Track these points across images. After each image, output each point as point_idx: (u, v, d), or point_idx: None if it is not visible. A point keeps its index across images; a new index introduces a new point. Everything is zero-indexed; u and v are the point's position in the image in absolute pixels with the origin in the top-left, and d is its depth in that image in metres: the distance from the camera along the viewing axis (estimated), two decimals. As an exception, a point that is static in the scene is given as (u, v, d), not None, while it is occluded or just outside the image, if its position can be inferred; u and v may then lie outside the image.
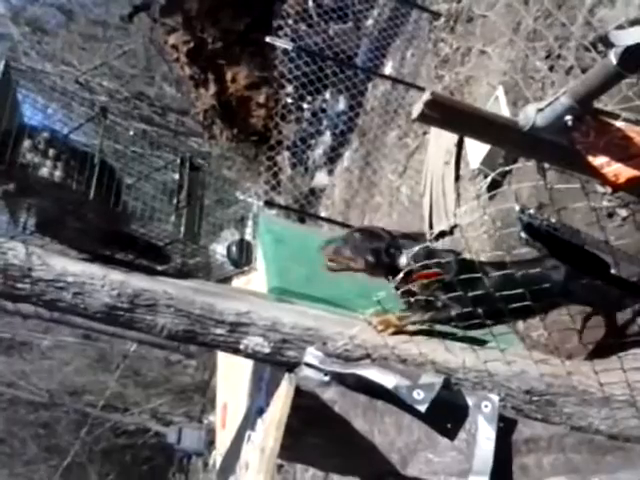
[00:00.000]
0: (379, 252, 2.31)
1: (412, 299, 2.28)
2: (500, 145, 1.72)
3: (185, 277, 2.37)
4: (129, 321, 2.10)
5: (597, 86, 1.39)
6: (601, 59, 1.39)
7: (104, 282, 2.08)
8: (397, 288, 2.22)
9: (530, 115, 1.46)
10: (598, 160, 1.43)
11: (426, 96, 1.46)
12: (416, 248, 2.24)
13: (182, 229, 2.42)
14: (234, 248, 2.86)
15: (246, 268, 2.92)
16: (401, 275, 2.13)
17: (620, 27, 1.27)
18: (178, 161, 2.55)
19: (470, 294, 2.04)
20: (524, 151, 1.64)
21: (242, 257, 2.87)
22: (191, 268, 2.63)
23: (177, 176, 2.50)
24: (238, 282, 3.70)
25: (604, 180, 1.45)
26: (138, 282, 2.12)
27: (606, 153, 1.44)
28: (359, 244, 2.36)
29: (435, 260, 2.22)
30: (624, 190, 1.49)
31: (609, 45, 1.29)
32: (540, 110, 1.45)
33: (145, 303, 2.09)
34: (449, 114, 1.49)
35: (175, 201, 2.44)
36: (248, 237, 3.04)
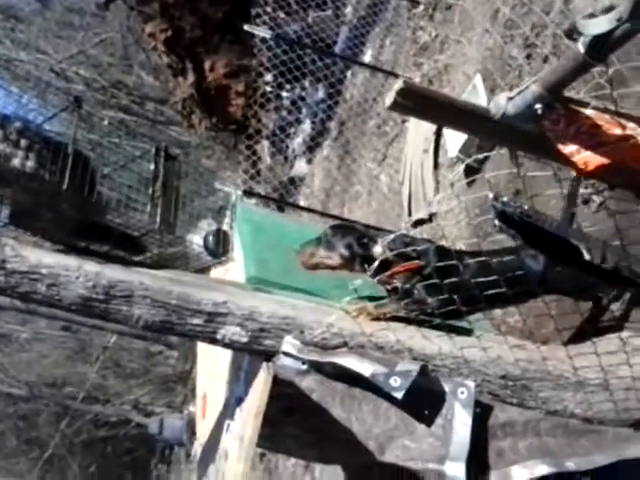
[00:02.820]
0: (351, 244, 2.32)
1: (389, 287, 2.29)
2: (472, 133, 1.73)
3: (162, 268, 2.36)
4: (105, 312, 2.09)
5: (566, 75, 1.39)
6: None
7: (79, 273, 2.06)
8: (375, 276, 2.23)
9: (501, 104, 1.47)
10: (568, 148, 1.44)
11: (398, 84, 1.46)
12: (392, 236, 2.24)
13: (158, 219, 2.41)
14: (211, 238, 2.84)
15: (224, 258, 2.91)
16: (376, 264, 2.13)
17: (591, 15, 1.27)
18: (153, 151, 2.53)
19: (447, 282, 2.05)
20: (496, 139, 1.65)
21: (219, 247, 2.85)
22: (168, 259, 2.61)
23: (152, 166, 2.47)
24: (216, 272, 3.69)
25: (574, 168, 1.46)
26: (113, 273, 2.11)
27: (576, 141, 1.45)
28: (332, 240, 2.37)
29: (412, 248, 2.23)
30: (593, 178, 1.51)
31: (578, 34, 1.30)
32: (511, 99, 1.46)
33: (121, 294, 2.08)
34: (421, 102, 1.49)
35: (150, 191, 2.42)
36: (226, 227, 3.03)
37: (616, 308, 2.42)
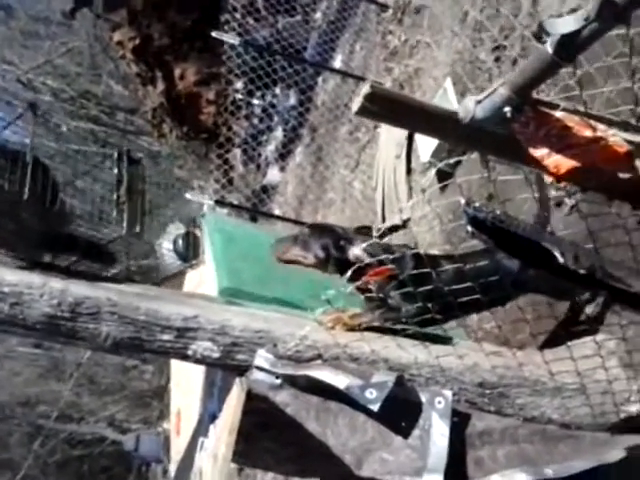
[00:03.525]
0: (328, 247, 2.28)
1: (366, 295, 2.26)
2: (442, 138, 1.70)
3: (132, 276, 2.30)
4: (71, 331, 2.02)
5: (535, 76, 1.37)
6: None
7: (43, 291, 1.99)
8: (351, 282, 2.19)
9: (469, 107, 1.44)
10: (538, 151, 1.42)
11: (365, 89, 1.42)
12: (370, 241, 2.21)
13: (124, 225, 2.34)
14: (180, 242, 2.79)
15: (194, 262, 2.86)
16: (353, 269, 2.09)
17: (559, 15, 1.25)
18: (115, 155, 2.47)
19: (422, 289, 2.03)
20: (466, 143, 1.63)
21: (189, 250, 2.80)
22: (137, 266, 2.55)
23: (115, 170, 2.41)
24: (189, 283, 3.64)
25: (545, 171, 1.44)
26: (79, 290, 2.04)
27: (546, 144, 1.43)
28: (308, 240, 2.33)
29: (389, 255, 2.19)
30: (565, 181, 1.49)
31: (545, 34, 1.27)
32: (479, 102, 1.43)
33: (87, 311, 2.01)
34: (389, 107, 1.46)
35: (115, 196, 2.36)
36: (197, 232, 2.98)
37: (590, 311, 2.42)
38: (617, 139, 1.44)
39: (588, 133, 1.44)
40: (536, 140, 1.43)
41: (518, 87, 1.39)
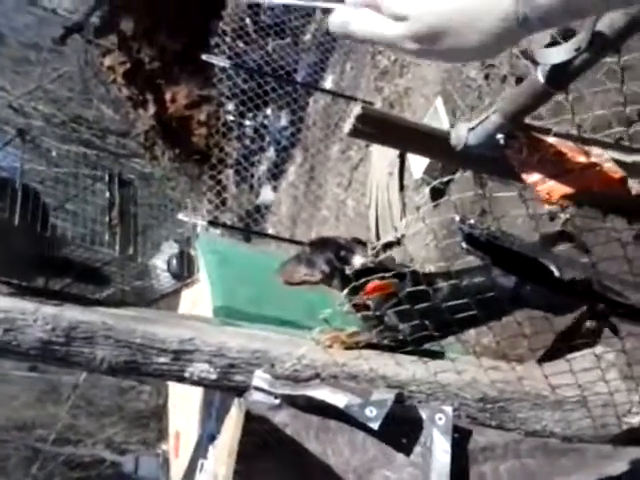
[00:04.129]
0: (332, 260, 2.27)
1: (362, 313, 2.25)
2: (434, 158, 1.71)
3: (126, 296, 2.29)
4: (66, 355, 2.00)
5: (526, 104, 1.38)
6: (533, 67, 1.37)
7: (36, 316, 1.97)
8: (350, 297, 2.18)
9: (462, 134, 1.45)
10: (531, 177, 1.42)
11: (357, 110, 1.43)
12: (370, 253, 2.20)
13: (117, 247, 2.33)
14: (174, 261, 2.78)
15: (188, 280, 2.85)
16: (357, 282, 2.08)
17: (549, 45, 1.25)
18: (106, 178, 2.46)
19: (419, 307, 2.02)
20: (460, 164, 1.63)
21: (183, 269, 2.79)
22: (131, 286, 2.54)
23: (107, 193, 2.41)
24: (185, 303, 3.62)
25: (538, 196, 1.44)
26: (73, 314, 2.02)
27: (539, 170, 1.43)
28: (311, 257, 2.31)
29: (391, 269, 2.18)
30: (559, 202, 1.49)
31: (535, 63, 1.28)
32: (471, 129, 1.43)
33: (82, 335, 1.99)
34: (380, 128, 1.46)
35: (107, 219, 2.35)
36: (189, 249, 2.98)
37: (588, 324, 2.41)
38: (611, 165, 1.44)
39: (582, 159, 1.44)
40: (530, 166, 1.43)
41: (510, 114, 1.40)
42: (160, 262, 2.76)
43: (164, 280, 2.71)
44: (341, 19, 0.80)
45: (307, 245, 2.41)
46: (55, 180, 2.51)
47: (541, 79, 1.29)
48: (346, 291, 2.03)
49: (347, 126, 1.46)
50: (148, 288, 2.59)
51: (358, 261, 2.21)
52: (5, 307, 1.98)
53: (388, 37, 0.76)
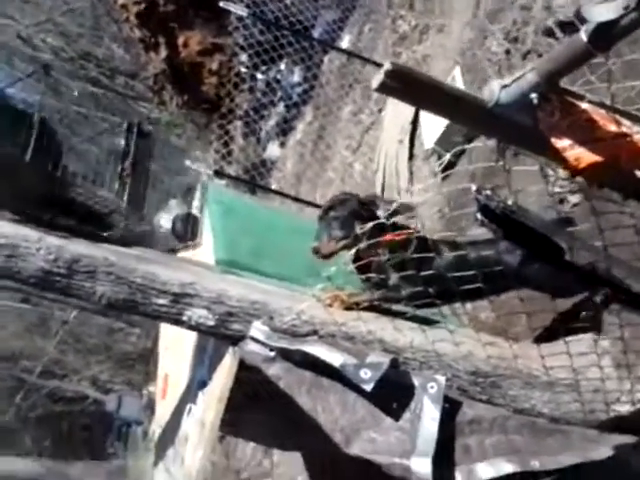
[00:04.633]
0: (359, 214, 2.21)
1: (365, 275, 2.22)
2: (461, 121, 1.66)
3: (128, 245, 2.26)
4: (66, 287, 1.98)
5: (565, 64, 1.34)
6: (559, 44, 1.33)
7: (40, 245, 1.95)
8: (355, 260, 2.15)
9: (495, 91, 1.41)
10: (561, 142, 1.39)
11: (387, 66, 1.39)
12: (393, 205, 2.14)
13: (125, 198, 2.31)
14: (179, 223, 2.75)
15: (190, 243, 2.83)
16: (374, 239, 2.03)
17: (597, 2, 1.21)
18: (125, 126, 2.42)
19: (423, 273, 2.00)
20: (486, 129, 1.59)
21: (187, 232, 2.77)
22: (134, 238, 2.52)
23: (123, 142, 2.37)
24: (184, 253, 3.61)
25: (565, 164, 1.41)
26: (77, 247, 2.00)
27: (570, 135, 1.40)
28: (341, 219, 2.25)
29: (410, 215, 2.15)
30: (583, 176, 1.46)
31: (580, 20, 1.24)
32: (505, 86, 1.40)
33: (84, 269, 1.98)
34: (411, 86, 1.42)
35: (119, 169, 2.32)
36: (195, 211, 2.95)
37: (589, 308, 2.41)
38: None
39: (613, 128, 1.41)
40: (560, 130, 1.40)
41: (547, 74, 1.36)
42: (164, 221, 2.74)
43: (167, 239, 2.69)
44: None
45: (328, 209, 2.31)
46: (72, 120, 2.45)
47: (584, 38, 1.25)
48: (355, 249, 2.00)
49: (376, 81, 1.42)
50: (149, 243, 2.56)
51: (382, 211, 2.16)
52: (8, 233, 1.96)
53: None
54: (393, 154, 5.12)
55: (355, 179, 6.06)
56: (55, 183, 2.26)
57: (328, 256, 2.27)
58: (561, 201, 3.01)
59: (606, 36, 1.24)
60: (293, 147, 8.01)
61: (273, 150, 8.25)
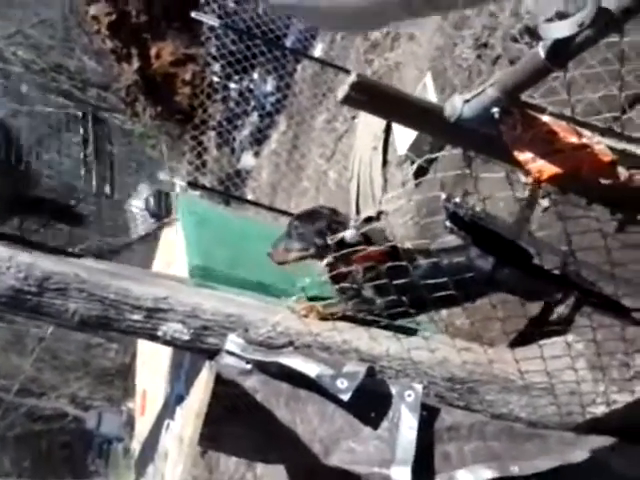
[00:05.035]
0: (323, 232, 2.23)
1: (339, 285, 2.23)
2: (426, 132, 1.68)
3: (104, 238, 2.24)
4: (37, 306, 1.96)
5: (525, 79, 1.35)
6: (527, 49, 1.36)
7: (10, 264, 1.93)
8: (330, 270, 2.16)
9: (457, 106, 1.42)
10: (523, 155, 1.41)
11: (352, 78, 1.39)
12: (363, 224, 2.17)
13: (94, 184, 2.28)
14: (152, 200, 2.74)
15: (166, 220, 2.79)
16: (345, 250, 2.05)
17: (551, 19, 1.23)
18: (80, 115, 2.39)
19: (397, 283, 2.01)
20: (450, 139, 1.60)
21: (161, 208, 2.75)
22: (108, 225, 2.49)
23: (81, 130, 2.35)
24: (159, 263, 3.58)
25: (529, 174, 1.43)
26: (47, 264, 1.98)
27: (531, 148, 1.42)
28: (303, 231, 2.27)
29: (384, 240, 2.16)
30: (547, 185, 1.48)
31: (537, 38, 1.26)
32: (467, 101, 1.41)
33: (55, 287, 1.95)
34: (375, 98, 1.43)
35: (82, 155, 2.30)
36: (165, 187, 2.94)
37: (561, 311, 2.44)
38: (602, 147, 1.43)
39: (574, 139, 1.43)
40: (522, 143, 1.42)
41: (507, 88, 1.37)
42: (137, 201, 2.72)
43: (142, 220, 2.67)
44: None
45: (294, 220, 2.35)
46: (29, 117, 2.43)
47: (542, 54, 1.27)
48: (326, 261, 2.01)
49: (340, 93, 1.42)
50: (124, 228, 2.53)
51: (350, 232, 2.18)
52: (-23, 252, 1.93)
53: None
54: (367, 161, 5.14)
55: (330, 187, 6.08)
56: (20, 181, 2.23)
57: (280, 263, 2.31)
58: (530, 205, 3.04)
59: (562, 52, 1.25)
60: (267, 156, 8.01)
61: (247, 160, 8.24)
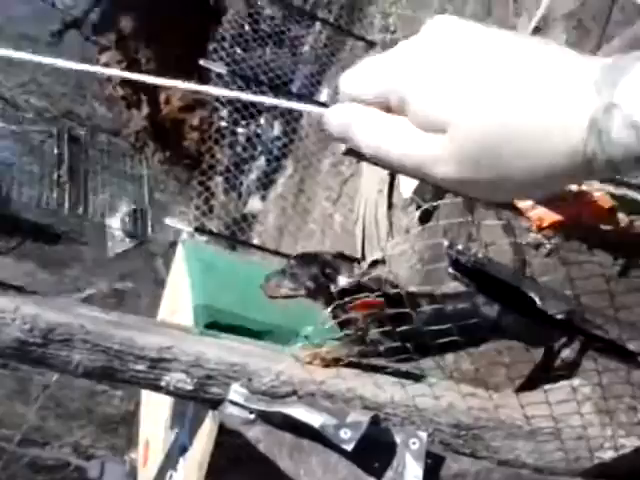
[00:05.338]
0: (317, 276, 2.25)
1: (347, 331, 2.24)
2: (427, 182, 1.70)
3: (82, 257, 2.25)
4: (42, 357, 1.97)
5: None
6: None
7: (15, 316, 1.94)
8: (334, 316, 2.17)
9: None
10: (523, 203, 1.43)
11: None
12: (357, 272, 2.20)
13: (67, 205, 2.31)
14: (127, 219, 2.76)
15: (142, 239, 2.80)
16: (342, 300, 2.07)
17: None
18: (55, 133, 2.43)
19: (401, 329, 2.01)
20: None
21: (137, 228, 2.77)
22: (83, 245, 2.51)
23: (56, 150, 2.38)
24: (164, 311, 3.60)
25: (529, 222, 1.45)
26: (52, 315, 2.00)
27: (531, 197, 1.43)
28: (296, 272, 2.30)
29: (378, 288, 2.18)
30: (549, 229, 1.49)
31: None
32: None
33: (60, 338, 1.97)
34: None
35: (56, 176, 2.33)
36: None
37: (566, 356, 2.42)
38: (601, 194, 1.45)
39: (573, 187, 1.45)
40: None
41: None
42: (114, 221, 2.74)
43: (119, 239, 2.69)
44: (341, 118, 0.58)
45: (292, 259, 2.39)
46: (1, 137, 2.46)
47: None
48: (330, 309, 2.02)
49: (342, 145, 1.45)
50: (100, 247, 2.54)
51: (343, 279, 2.20)
52: (-17, 304, 1.95)
53: (411, 154, 0.54)
54: (372, 204, 5.17)
55: (335, 230, 6.10)
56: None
57: (270, 297, 2.35)
58: (537, 247, 3.05)
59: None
60: (274, 200, 8.07)
61: (254, 204, 8.30)
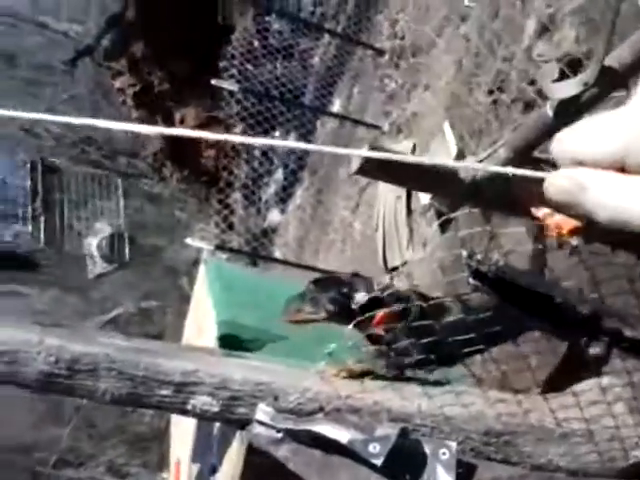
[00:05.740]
0: (336, 298, 2.27)
1: (372, 346, 2.24)
2: (444, 195, 1.70)
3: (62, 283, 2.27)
4: (69, 388, 1.99)
5: (534, 138, 1.38)
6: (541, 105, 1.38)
7: (40, 349, 1.97)
8: (360, 330, 2.17)
9: (470, 167, 1.44)
10: (540, 211, 1.41)
11: (365, 151, 1.42)
12: (376, 287, 2.21)
13: (42, 238, 2.34)
14: (104, 244, 2.78)
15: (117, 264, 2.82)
16: (360, 317, 2.08)
17: (558, 80, 1.26)
18: (28, 165, 2.45)
19: (425, 341, 2.01)
20: (467, 201, 1.62)
21: (114, 252, 2.79)
22: (61, 274, 2.53)
23: (29, 182, 2.41)
24: (189, 331, 3.62)
25: (548, 229, 1.43)
26: (76, 346, 2.02)
27: (547, 204, 1.42)
28: (315, 295, 2.32)
29: (395, 301, 2.18)
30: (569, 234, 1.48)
31: (544, 98, 1.29)
32: (480, 161, 1.43)
33: (85, 368, 1.99)
34: (388, 167, 1.46)
35: (30, 209, 2.35)
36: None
37: (594, 352, 2.39)
38: None
39: None
40: (538, 200, 1.42)
41: (518, 148, 1.40)
42: (92, 246, 2.76)
43: (98, 262, 2.71)
44: (572, 184, 0.53)
45: (310, 283, 2.40)
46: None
47: (550, 113, 1.29)
48: (352, 325, 2.02)
49: (354, 165, 1.46)
50: (79, 273, 2.56)
51: (361, 296, 2.21)
52: (8, 339, 1.98)
53: None
54: (392, 210, 5.16)
55: (356, 239, 6.09)
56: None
57: (291, 322, 2.38)
58: (560, 245, 3.02)
59: (569, 111, 1.27)
60: (293, 212, 8.09)
61: (274, 217, 8.33)
